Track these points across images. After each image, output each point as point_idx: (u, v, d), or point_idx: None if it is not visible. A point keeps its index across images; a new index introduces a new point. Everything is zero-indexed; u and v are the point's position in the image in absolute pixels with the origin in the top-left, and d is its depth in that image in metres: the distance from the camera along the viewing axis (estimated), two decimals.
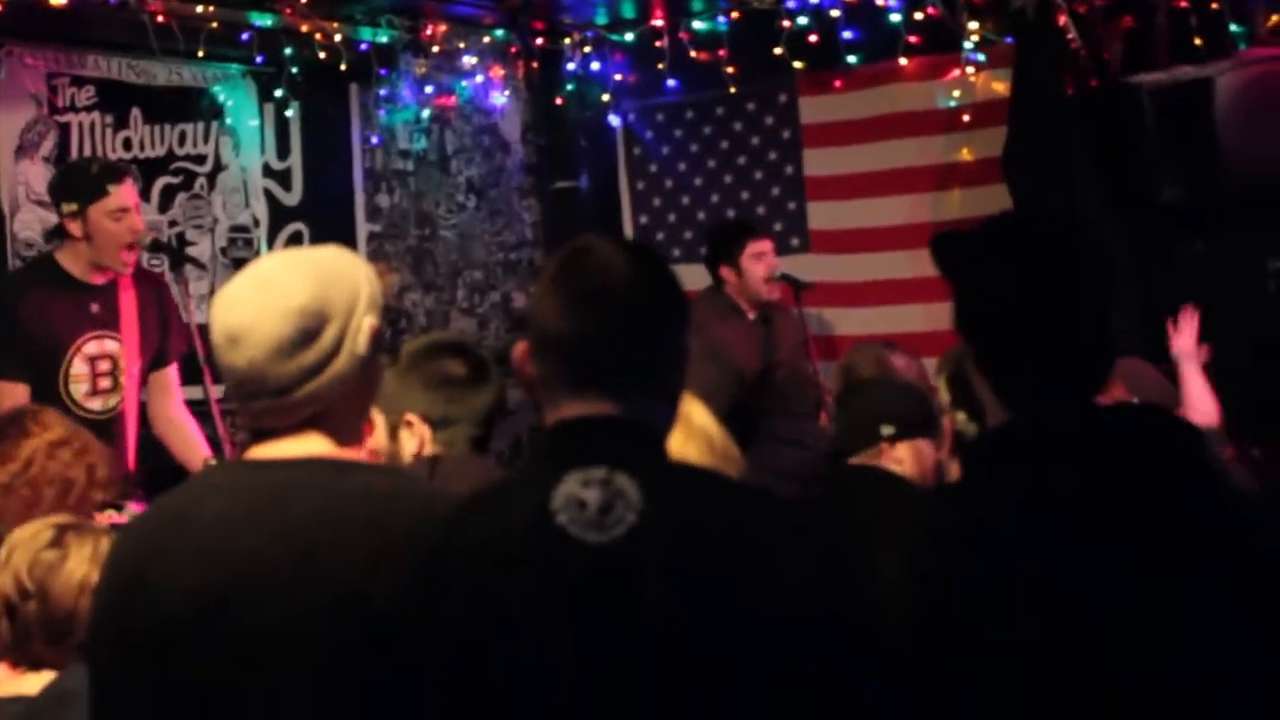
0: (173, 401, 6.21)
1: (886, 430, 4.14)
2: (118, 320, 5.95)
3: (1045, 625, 2.34)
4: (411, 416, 3.68)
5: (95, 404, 5.95)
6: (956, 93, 8.24)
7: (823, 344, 8.12)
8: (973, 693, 2.36)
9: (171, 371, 6.19)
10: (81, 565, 3.49)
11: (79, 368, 5.90)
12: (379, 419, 3.71)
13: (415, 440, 3.67)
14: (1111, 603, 2.33)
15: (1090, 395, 2.54)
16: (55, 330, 5.88)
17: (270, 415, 2.66)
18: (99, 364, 5.95)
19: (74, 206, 5.80)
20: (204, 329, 5.65)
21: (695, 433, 3.27)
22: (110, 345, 5.95)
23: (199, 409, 6.11)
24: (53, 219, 6.92)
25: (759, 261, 7.70)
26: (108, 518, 5.19)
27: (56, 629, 3.48)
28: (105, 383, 5.97)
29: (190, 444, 6.11)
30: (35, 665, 3.50)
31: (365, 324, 2.67)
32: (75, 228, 5.83)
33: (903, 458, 4.13)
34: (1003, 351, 2.56)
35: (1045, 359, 2.52)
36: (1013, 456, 2.49)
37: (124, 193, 5.84)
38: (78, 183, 5.92)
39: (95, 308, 5.92)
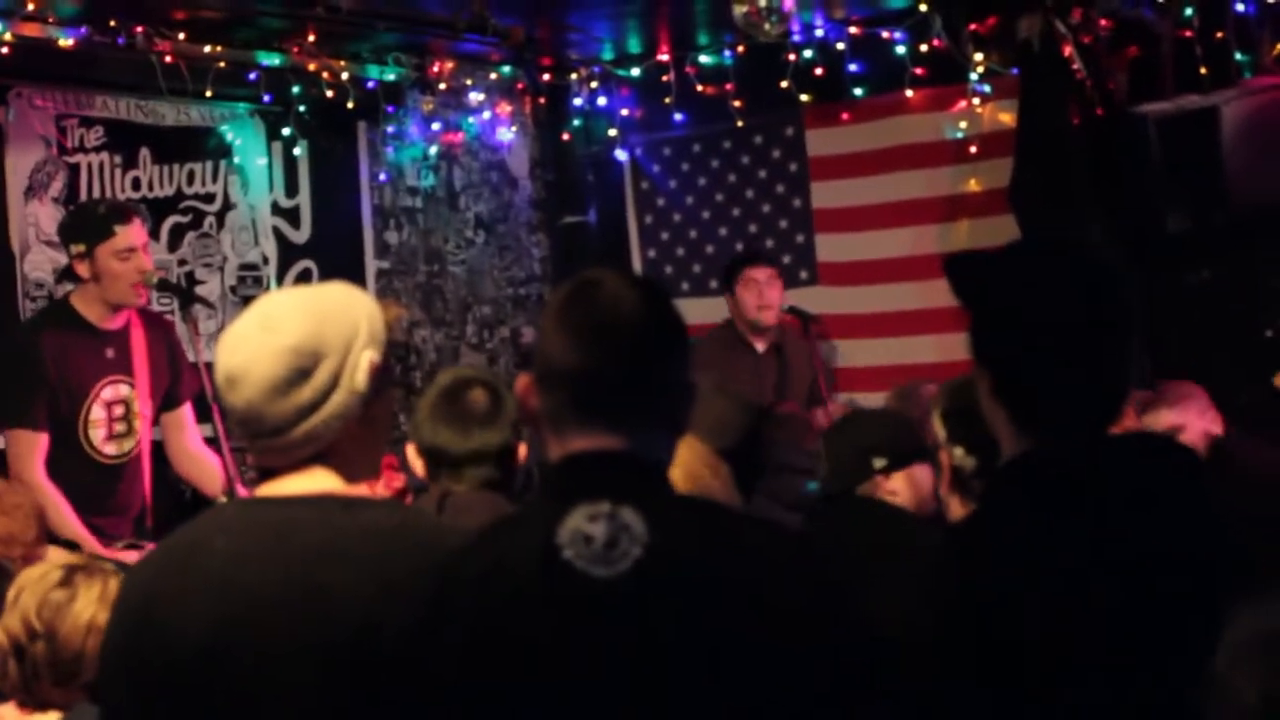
0: (189, 438, 6.22)
1: (879, 462, 4.12)
2: (131, 364, 5.97)
3: (1065, 657, 2.35)
4: (411, 449, 3.73)
5: (111, 449, 5.97)
6: (963, 124, 8.25)
7: (832, 376, 8.11)
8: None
9: (185, 411, 6.21)
10: (90, 606, 3.50)
11: (97, 413, 5.93)
12: (410, 449, 3.75)
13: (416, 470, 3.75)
14: (1127, 632, 2.33)
15: (1108, 425, 2.54)
16: (76, 377, 5.90)
17: (271, 454, 2.67)
18: (114, 409, 5.97)
19: (82, 248, 5.82)
20: (211, 367, 5.75)
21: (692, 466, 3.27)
22: (124, 390, 5.97)
23: (214, 447, 6.13)
24: (63, 259, 6.95)
25: (749, 289, 7.71)
26: (122, 554, 5.26)
27: (64, 669, 3.49)
28: (120, 427, 5.98)
29: (213, 477, 6.11)
30: (42, 706, 3.51)
31: (364, 359, 2.66)
32: (84, 269, 5.84)
33: (896, 488, 4.11)
34: (1023, 380, 2.55)
35: (1066, 388, 2.51)
36: (1032, 488, 2.48)
37: (131, 233, 5.85)
38: (85, 224, 5.94)
39: (110, 353, 5.94)
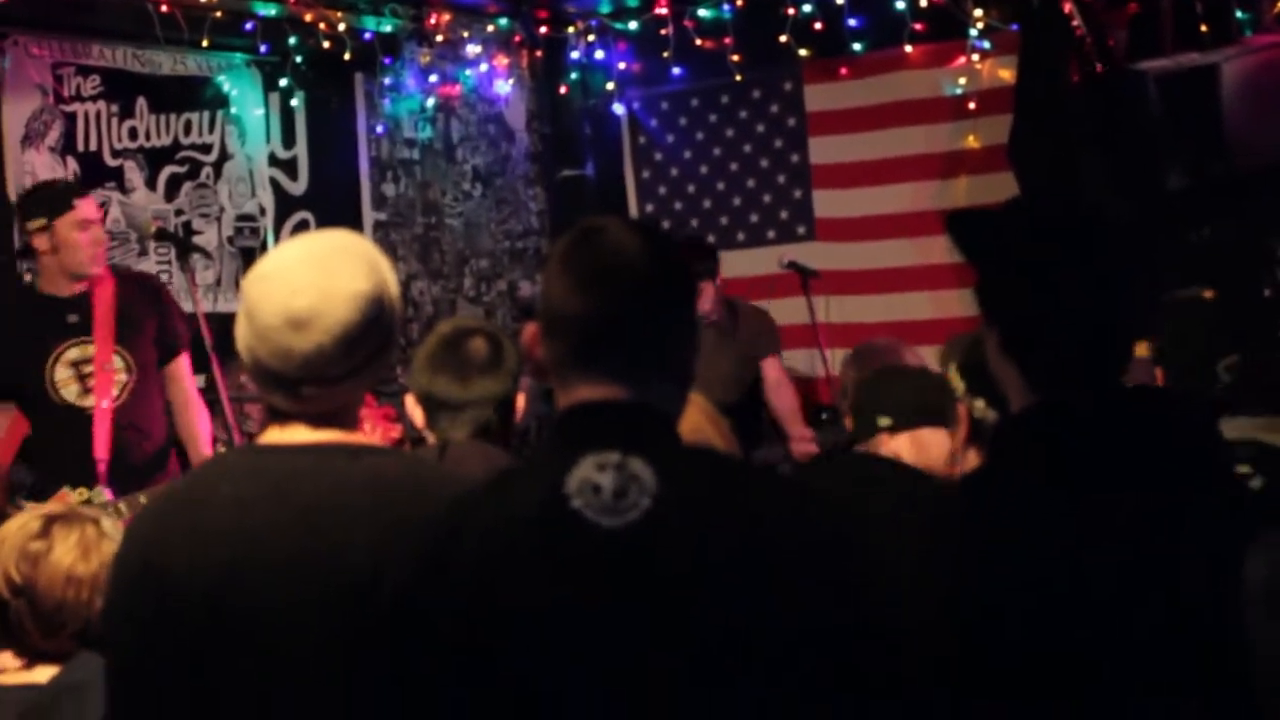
0: (177, 391, 6.23)
1: (884, 421, 4.13)
2: (92, 324, 6.01)
3: (1069, 614, 2.35)
4: (410, 399, 3.73)
5: (86, 402, 6.00)
6: (962, 80, 8.24)
7: (830, 332, 8.09)
8: (992, 677, 2.37)
9: (177, 364, 6.21)
10: (68, 554, 3.49)
11: (62, 373, 5.96)
12: (409, 398, 3.75)
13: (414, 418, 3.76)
14: (1136, 592, 2.33)
15: (1116, 379, 2.53)
16: (34, 347, 5.98)
17: (302, 402, 2.65)
18: (81, 368, 6.00)
19: (42, 221, 5.92)
20: (212, 317, 5.75)
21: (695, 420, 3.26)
22: (91, 349, 6.00)
23: (207, 397, 6.14)
24: None
25: None
26: (76, 497, 5.37)
27: (47, 621, 3.47)
28: (91, 383, 6.02)
29: (194, 437, 6.18)
30: (39, 658, 3.50)
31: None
32: (43, 241, 5.94)
33: (899, 448, 4.11)
34: (1031, 334, 2.54)
35: (1074, 342, 2.50)
36: (1039, 440, 2.48)
37: (87, 206, 6.00)
38: (44, 199, 6.05)
39: (73, 317, 6.00)
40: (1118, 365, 2.54)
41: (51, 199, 6.01)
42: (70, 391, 5.93)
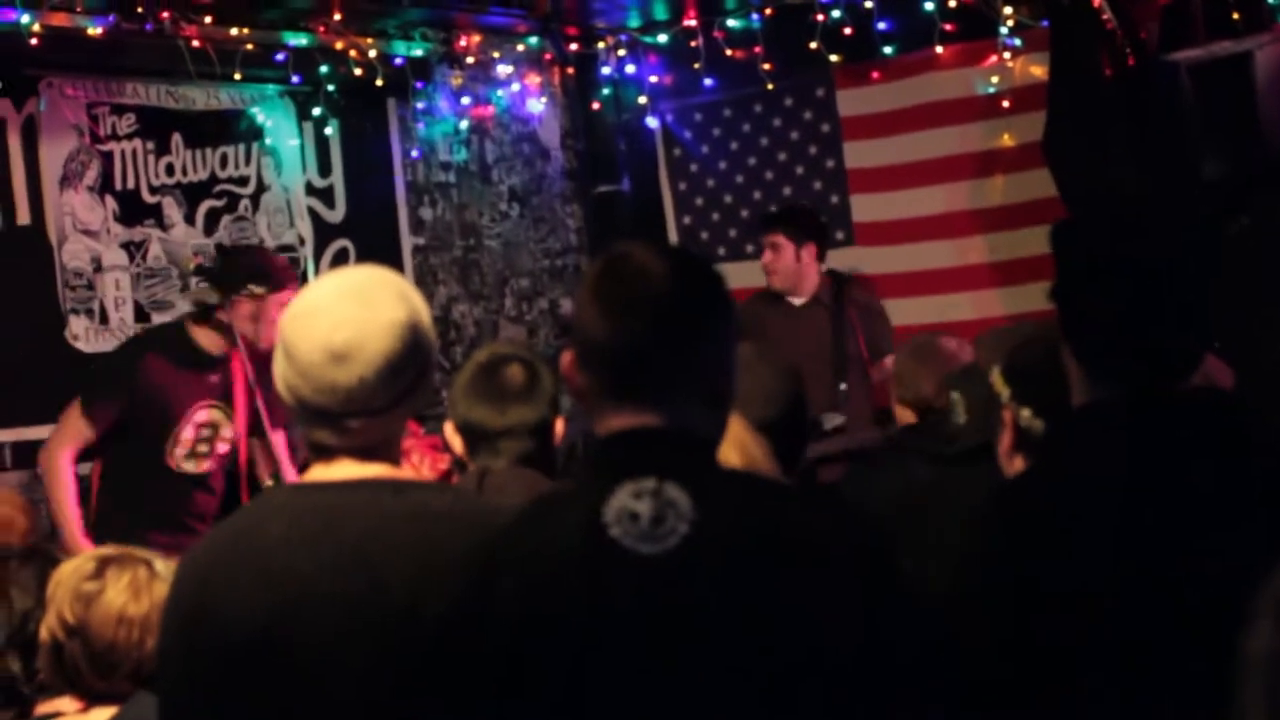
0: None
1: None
2: (232, 390, 6.06)
3: (1116, 610, 2.34)
4: (449, 427, 3.74)
5: (189, 466, 6.08)
6: (994, 79, 8.22)
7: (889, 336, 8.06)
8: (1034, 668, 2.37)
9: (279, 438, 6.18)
10: (119, 596, 3.51)
11: (187, 434, 6.05)
12: (448, 427, 3.76)
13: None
14: (1174, 589, 2.33)
15: (1178, 380, 2.54)
16: (175, 400, 6.03)
17: (346, 435, 2.66)
18: (202, 430, 6.08)
19: (263, 290, 5.91)
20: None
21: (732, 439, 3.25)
22: (216, 414, 6.06)
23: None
24: (99, 248, 7.00)
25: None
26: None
27: (100, 663, 3.49)
28: (202, 448, 6.09)
29: None
30: (97, 700, 3.53)
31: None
32: (248, 307, 5.91)
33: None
34: (1093, 332, 2.55)
35: (1141, 339, 2.51)
36: (1091, 438, 2.49)
37: (291, 294, 5.89)
38: (271, 270, 6.07)
39: (215, 379, 6.07)
40: (1181, 365, 2.55)
41: (277, 273, 6.02)
42: (179, 453, 6.04)
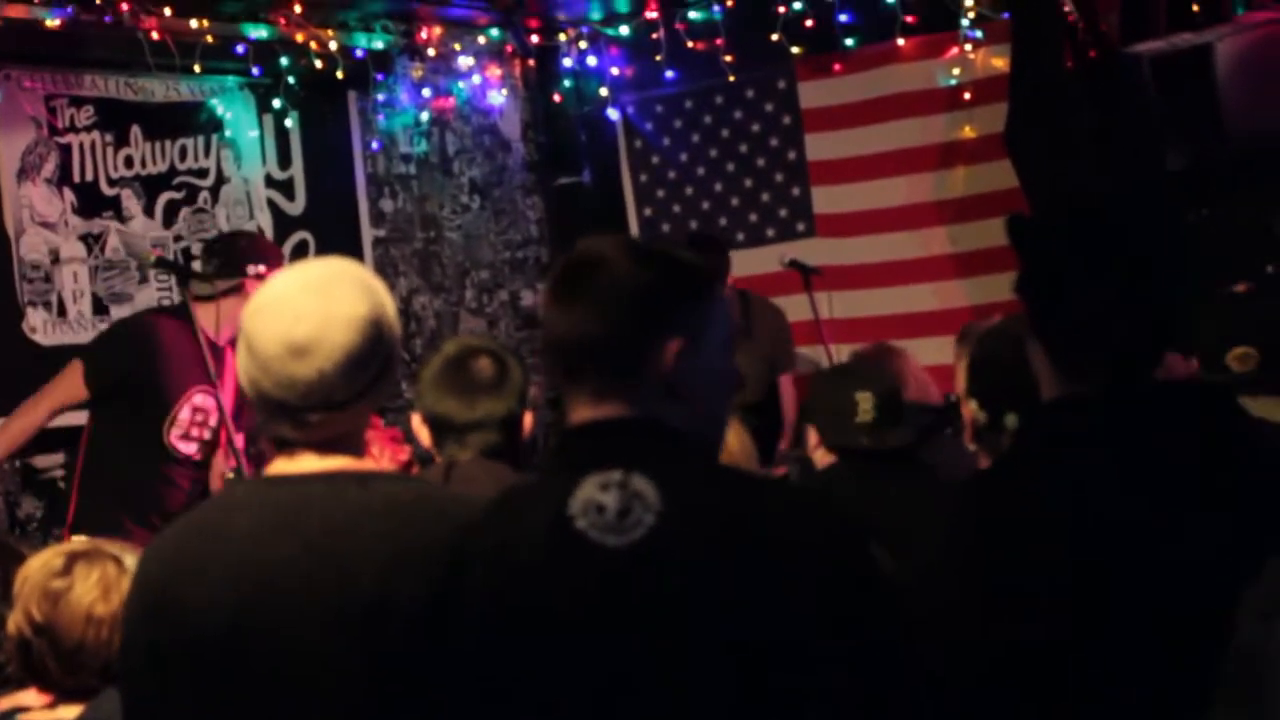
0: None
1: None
2: (223, 380, 6.00)
3: (1083, 608, 2.35)
4: (416, 419, 3.72)
5: (185, 448, 6.02)
6: (956, 71, 8.24)
7: (834, 328, 8.08)
8: (1002, 673, 2.37)
9: None
10: (88, 594, 3.47)
11: (183, 415, 5.97)
12: (415, 418, 3.75)
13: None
14: (1150, 583, 2.33)
15: (1145, 371, 2.54)
16: (179, 372, 5.94)
17: (306, 429, 2.64)
18: (197, 415, 5.99)
19: (231, 283, 5.87)
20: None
21: None
22: (210, 401, 5.93)
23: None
24: (57, 241, 6.95)
25: None
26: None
27: (68, 660, 3.46)
28: (196, 432, 6.02)
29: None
30: (64, 696, 3.49)
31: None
32: (229, 302, 5.84)
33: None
34: (1059, 325, 2.55)
35: (1109, 333, 2.52)
36: (1059, 431, 2.49)
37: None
38: (275, 251, 6.15)
39: (213, 364, 5.97)
40: (1149, 359, 2.55)
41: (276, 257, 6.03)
42: (173, 433, 5.97)
